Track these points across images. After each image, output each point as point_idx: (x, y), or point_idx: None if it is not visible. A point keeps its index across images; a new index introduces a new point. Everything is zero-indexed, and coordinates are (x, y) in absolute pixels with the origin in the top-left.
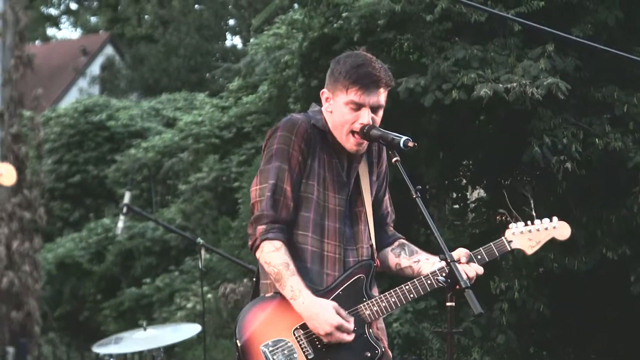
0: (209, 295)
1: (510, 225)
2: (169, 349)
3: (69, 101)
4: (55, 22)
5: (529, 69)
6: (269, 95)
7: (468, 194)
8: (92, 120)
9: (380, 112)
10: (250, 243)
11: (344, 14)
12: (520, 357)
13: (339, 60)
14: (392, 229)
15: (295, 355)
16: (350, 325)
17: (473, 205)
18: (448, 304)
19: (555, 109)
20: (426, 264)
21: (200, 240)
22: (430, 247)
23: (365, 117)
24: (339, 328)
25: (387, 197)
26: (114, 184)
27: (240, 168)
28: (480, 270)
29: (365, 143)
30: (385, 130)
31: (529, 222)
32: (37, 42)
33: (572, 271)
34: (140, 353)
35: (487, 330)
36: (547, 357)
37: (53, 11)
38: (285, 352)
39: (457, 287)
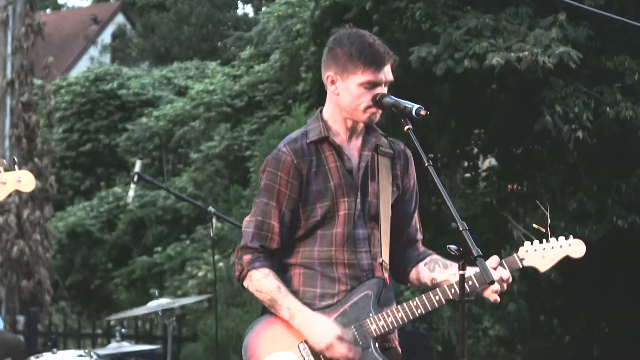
0: (220, 264)
1: (525, 244)
2: (180, 318)
3: (79, 70)
4: None
5: (541, 38)
6: (281, 64)
7: (479, 162)
8: (103, 89)
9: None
10: (237, 274)
11: None
12: (531, 325)
13: (341, 41)
14: (422, 246)
15: None
16: (349, 336)
17: (484, 174)
18: (460, 272)
19: (567, 78)
20: None
21: (211, 209)
22: (442, 216)
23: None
24: (339, 339)
25: (416, 214)
26: (125, 152)
27: (251, 137)
28: (506, 275)
29: (379, 112)
30: (397, 99)
31: (543, 241)
32: (47, 10)
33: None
34: (151, 322)
35: None
36: (558, 325)
37: None
38: None
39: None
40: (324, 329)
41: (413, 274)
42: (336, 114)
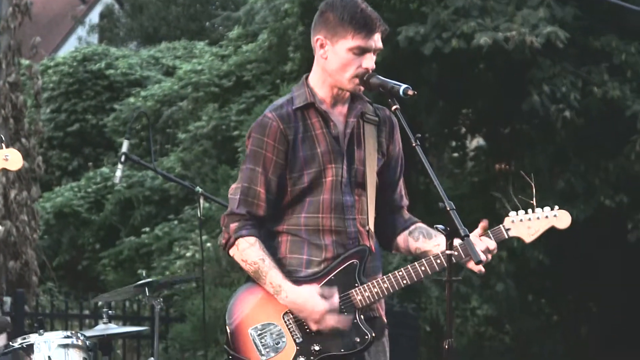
0: (208, 244)
1: (510, 214)
2: (168, 298)
3: (67, 50)
4: None
5: (528, 18)
6: (269, 44)
7: (467, 142)
8: (91, 69)
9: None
10: (223, 241)
11: None
12: (519, 305)
13: (334, 4)
14: (407, 212)
15: (283, 339)
16: (336, 301)
17: (472, 153)
18: (447, 252)
19: (554, 58)
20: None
21: (199, 189)
22: (430, 196)
23: (370, 61)
24: (329, 311)
25: (401, 181)
26: (112, 132)
27: (239, 117)
28: (492, 245)
29: (363, 87)
30: (385, 79)
31: (529, 211)
32: None
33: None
34: (139, 303)
35: (486, 279)
36: (546, 305)
37: None
38: (274, 336)
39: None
40: (309, 304)
41: (398, 242)
42: (322, 80)
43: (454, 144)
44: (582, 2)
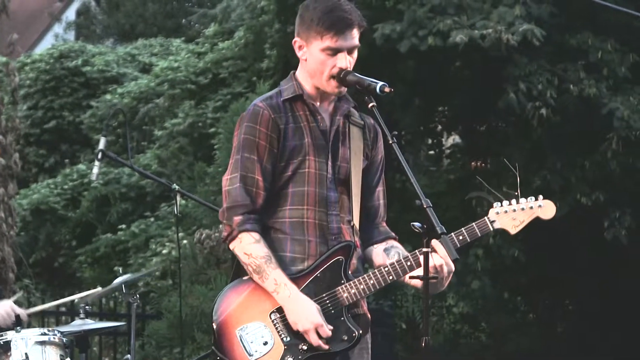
0: (185, 241)
1: (494, 204)
2: (145, 295)
3: (44, 47)
4: None
5: (505, 15)
6: (245, 41)
7: (443, 140)
8: (68, 66)
9: (356, 52)
10: (225, 234)
11: None
12: (495, 302)
13: (308, 5)
14: (385, 225)
15: (270, 338)
16: (328, 333)
17: (448, 151)
18: (424, 249)
19: (531, 56)
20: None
21: (175, 186)
22: (406, 193)
23: (343, 61)
24: (317, 329)
25: (380, 188)
26: (89, 129)
27: (216, 114)
28: (439, 262)
29: (345, 88)
30: (361, 76)
31: (513, 201)
32: None
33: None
34: (115, 300)
35: (462, 276)
36: (522, 302)
37: None
38: (261, 335)
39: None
40: (306, 313)
41: (370, 253)
42: (307, 79)
43: (430, 141)
44: None
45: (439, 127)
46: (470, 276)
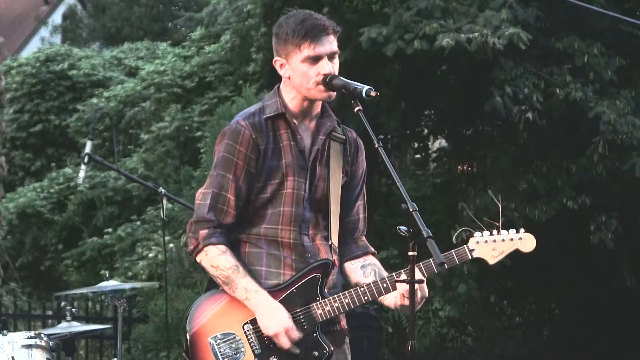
0: (171, 245)
1: (475, 234)
2: (131, 299)
3: (30, 50)
4: None
5: (491, 19)
6: (231, 45)
7: (429, 143)
8: (54, 70)
9: (337, 58)
10: (191, 247)
11: None
12: (481, 306)
13: (281, 23)
14: (364, 239)
15: (242, 349)
16: (298, 336)
17: (434, 154)
18: (410, 253)
19: (517, 59)
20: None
21: (162, 190)
22: (392, 197)
23: (326, 66)
24: (287, 332)
25: (360, 202)
26: (75, 133)
27: (202, 117)
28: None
29: (334, 93)
30: (347, 80)
31: (494, 232)
32: None
33: (533, 220)
34: (102, 303)
35: (448, 280)
36: (508, 306)
37: None
38: (233, 345)
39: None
40: (276, 317)
41: (347, 268)
42: (293, 94)
43: (416, 145)
44: (543, 2)
45: (425, 130)
46: (457, 280)
